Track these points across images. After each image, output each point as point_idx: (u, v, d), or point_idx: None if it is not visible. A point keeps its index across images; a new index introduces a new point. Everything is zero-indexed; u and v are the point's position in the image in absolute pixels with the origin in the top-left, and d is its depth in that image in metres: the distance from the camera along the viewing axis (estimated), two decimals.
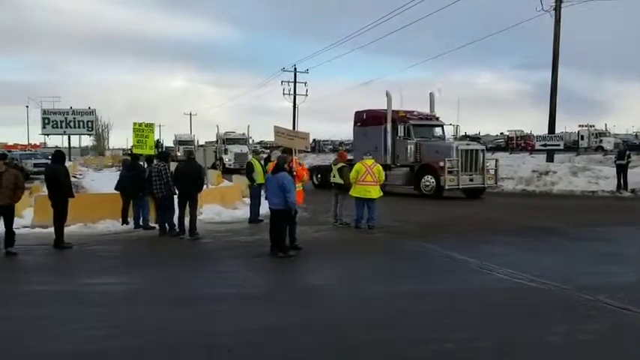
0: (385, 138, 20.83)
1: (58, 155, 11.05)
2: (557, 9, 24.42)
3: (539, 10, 24.72)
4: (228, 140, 40.28)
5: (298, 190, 10.25)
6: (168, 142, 65.74)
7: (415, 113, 21.51)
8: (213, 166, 38.12)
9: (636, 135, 57.31)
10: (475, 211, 15.87)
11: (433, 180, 19.49)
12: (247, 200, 15.12)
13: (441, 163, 19.15)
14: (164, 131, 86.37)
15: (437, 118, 22.06)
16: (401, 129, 20.71)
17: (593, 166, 24.56)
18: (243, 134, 42.12)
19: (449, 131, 22.23)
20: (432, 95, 22.77)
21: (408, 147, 20.41)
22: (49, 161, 33.69)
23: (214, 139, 43.97)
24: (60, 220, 10.37)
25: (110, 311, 6.34)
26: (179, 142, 54.78)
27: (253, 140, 36.93)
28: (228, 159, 38.37)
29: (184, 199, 11.64)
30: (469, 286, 7.44)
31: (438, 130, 21.79)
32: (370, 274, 8.35)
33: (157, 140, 62.08)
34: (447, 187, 19.20)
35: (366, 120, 22.13)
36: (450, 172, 19.11)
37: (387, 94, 20.97)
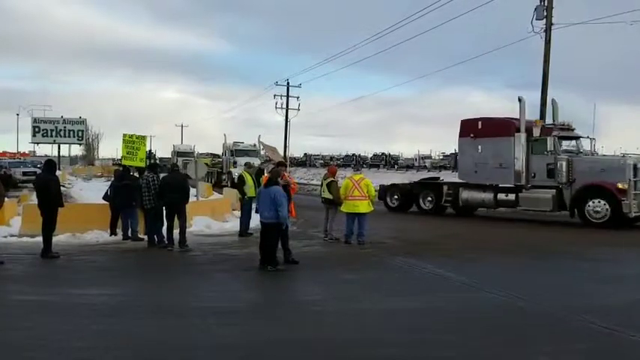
0: (516, 152, 17.44)
1: (50, 164, 11.00)
2: (548, 31, 24.72)
3: (530, 31, 25.01)
4: (237, 152, 35.58)
5: (291, 203, 10.27)
6: (165, 153, 64.92)
7: (554, 123, 18.28)
8: (219, 182, 34.04)
9: (623, 156, 57.99)
10: (467, 229, 15.93)
11: (606, 205, 15.63)
12: (237, 213, 15.11)
13: (620, 185, 15.46)
14: (156, 142, 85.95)
15: (573, 130, 18.36)
16: (549, 142, 17.04)
17: None
18: (254, 145, 37.02)
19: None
20: (554, 102, 19.45)
21: (559, 164, 16.66)
22: (38, 170, 33.57)
23: (221, 151, 39.27)
24: (48, 230, 10.29)
25: (97, 322, 6.27)
26: (178, 154, 50.46)
27: (265, 152, 33.65)
28: (237, 173, 34.22)
29: (171, 211, 11.61)
30: (458, 304, 7.45)
31: (578, 144, 18.12)
32: (359, 290, 8.33)
33: (149, 151, 61.46)
34: (632, 215, 15.38)
35: (483, 130, 18.64)
36: (634, 196, 15.32)
37: (520, 100, 17.67)
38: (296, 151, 77.42)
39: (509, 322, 6.58)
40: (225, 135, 37.86)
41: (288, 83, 49.52)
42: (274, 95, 49.69)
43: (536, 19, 24.79)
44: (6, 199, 11.65)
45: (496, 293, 7.81)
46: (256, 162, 31.66)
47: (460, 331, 6.21)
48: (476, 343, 5.80)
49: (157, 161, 56.50)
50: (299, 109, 49.87)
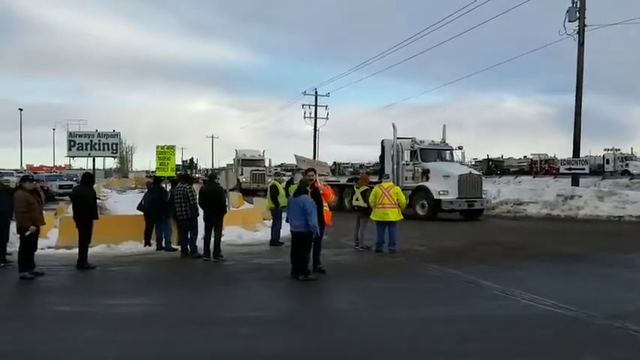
0: None
1: (87, 177, 11.20)
2: (581, 33, 24.26)
3: (563, 34, 24.57)
4: (423, 152, 22.03)
5: (325, 211, 10.16)
6: (202, 164, 63.63)
7: None
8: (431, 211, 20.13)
9: None
10: (499, 236, 15.64)
11: None
12: (267, 222, 15.14)
13: None
14: (187, 154, 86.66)
15: None
16: None
17: (620, 191, 24.12)
18: (444, 142, 23.19)
19: None
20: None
21: None
22: (73, 183, 34.29)
23: (391, 153, 22.18)
24: (85, 242, 10.50)
25: (131, 333, 6.34)
26: (242, 162, 40.02)
27: (463, 152, 22.75)
28: (441, 189, 20.37)
29: (209, 222, 11.68)
30: (493, 312, 7.29)
31: None
32: (392, 298, 8.23)
33: (191, 159, 61.56)
34: None
35: None
36: None
37: None
38: (325, 160, 77.33)
39: (549, 330, 6.38)
40: (394, 125, 21.73)
41: (316, 92, 49.76)
42: (302, 105, 49.92)
43: (569, 21, 24.37)
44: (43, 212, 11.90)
45: (533, 301, 7.62)
46: (472, 172, 22.06)
47: (500, 339, 6.06)
48: (517, 351, 5.65)
49: (209, 172, 55.18)
50: (327, 118, 49.95)
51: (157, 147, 15.38)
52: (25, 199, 9.58)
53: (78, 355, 5.61)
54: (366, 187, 13.11)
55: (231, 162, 52.20)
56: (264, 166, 38.19)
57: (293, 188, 10.57)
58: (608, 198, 22.26)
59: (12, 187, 12.08)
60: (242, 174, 38.19)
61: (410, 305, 7.78)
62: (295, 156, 28.92)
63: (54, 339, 6.14)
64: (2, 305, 7.96)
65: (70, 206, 12.30)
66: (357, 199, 13.10)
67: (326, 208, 10.29)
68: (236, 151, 42.34)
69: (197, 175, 57.64)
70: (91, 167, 49.17)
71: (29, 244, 9.63)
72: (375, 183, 13.81)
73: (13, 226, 10.64)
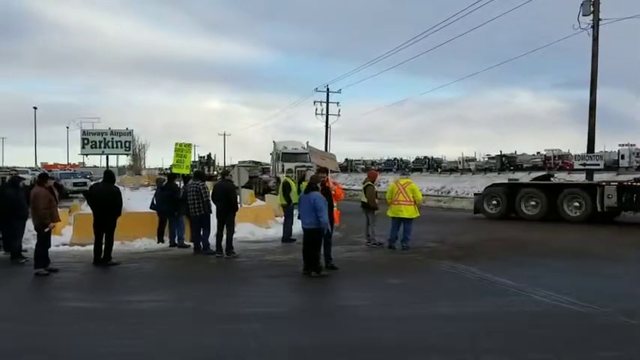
0: None
1: (111, 175, 11.22)
2: (595, 27, 23.94)
3: (577, 28, 24.27)
4: None
5: (335, 210, 10.27)
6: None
7: None
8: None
9: None
10: (512, 233, 15.54)
11: None
12: (279, 219, 15.18)
13: None
14: (200, 152, 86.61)
15: None
16: None
17: None
18: None
19: None
20: None
21: None
22: (87, 180, 34.29)
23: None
24: (112, 238, 10.69)
25: (144, 329, 6.39)
26: (283, 157, 31.15)
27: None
28: None
29: (223, 218, 11.74)
30: (506, 309, 7.24)
31: None
32: (404, 295, 8.22)
33: (208, 155, 61.33)
34: None
35: None
36: None
37: None
38: (337, 157, 77.25)
39: (563, 327, 6.34)
40: None
41: (327, 89, 49.58)
42: (314, 101, 49.78)
43: (583, 15, 24.05)
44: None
45: (547, 297, 7.57)
46: None
47: (514, 336, 6.03)
48: (531, 348, 5.61)
49: (226, 169, 53.85)
50: (339, 115, 49.79)
51: (176, 144, 15.49)
52: (46, 196, 9.69)
53: (94, 351, 5.64)
54: (368, 184, 13.20)
55: (244, 159, 51.47)
56: (311, 161, 28.52)
57: (304, 185, 10.60)
58: None
59: (28, 185, 12.20)
60: (283, 171, 29.11)
61: (422, 302, 7.76)
62: (309, 146, 28.53)
63: (68, 334, 6.20)
64: (19, 302, 8.06)
65: (84, 203, 12.40)
66: (362, 195, 13.27)
67: (335, 207, 10.38)
68: (274, 142, 33.75)
69: (215, 172, 57.35)
70: (105, 165, 49.56)
71: (46, 240, 9.75)
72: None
73: (28, 223, 10.80)
